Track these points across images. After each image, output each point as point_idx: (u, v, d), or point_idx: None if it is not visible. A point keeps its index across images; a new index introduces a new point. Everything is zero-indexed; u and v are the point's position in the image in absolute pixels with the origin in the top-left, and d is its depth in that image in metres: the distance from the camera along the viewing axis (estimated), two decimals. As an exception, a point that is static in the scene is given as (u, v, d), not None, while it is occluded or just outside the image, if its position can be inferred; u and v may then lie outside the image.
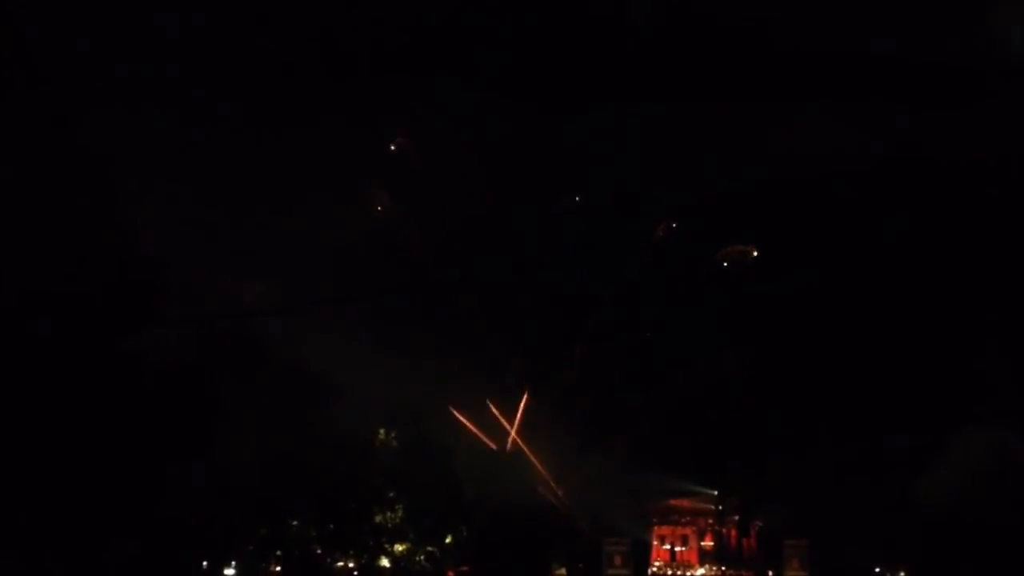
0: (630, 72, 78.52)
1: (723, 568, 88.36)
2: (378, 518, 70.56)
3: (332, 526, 68.39)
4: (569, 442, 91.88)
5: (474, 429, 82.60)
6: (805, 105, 73.49)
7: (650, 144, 78.44)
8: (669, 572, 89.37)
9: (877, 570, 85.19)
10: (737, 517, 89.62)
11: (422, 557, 73.10)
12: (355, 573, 72.53)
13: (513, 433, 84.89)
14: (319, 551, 69.36)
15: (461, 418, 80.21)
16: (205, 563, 64.35)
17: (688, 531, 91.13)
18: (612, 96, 78.24)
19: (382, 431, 72.47)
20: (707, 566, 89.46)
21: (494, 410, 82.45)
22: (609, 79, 78.30)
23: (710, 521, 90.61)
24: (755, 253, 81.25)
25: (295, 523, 67.12)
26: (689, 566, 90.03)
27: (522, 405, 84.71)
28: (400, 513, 70.72)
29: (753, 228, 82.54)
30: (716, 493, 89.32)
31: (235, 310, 60.46)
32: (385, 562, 72.43)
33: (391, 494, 70.58)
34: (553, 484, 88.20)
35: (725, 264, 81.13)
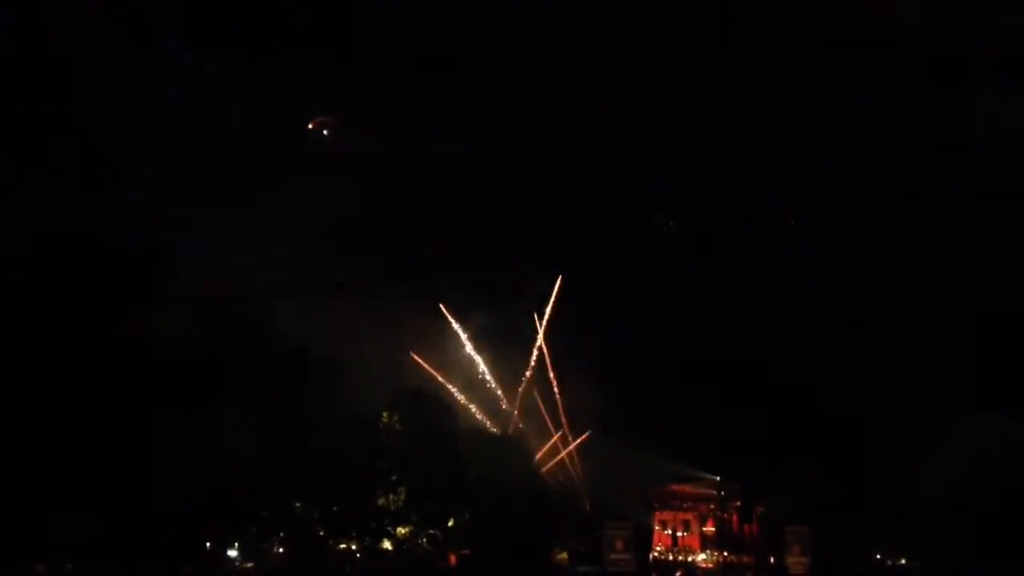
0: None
1: (724, 553, 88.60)
2: (381, 501, 70.55)
3: (335, 508, 68.40)
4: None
5: None
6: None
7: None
8: (671, 557, 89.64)
9: (878, 557, 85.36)
10: (739, 503, 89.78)
11: (424, 540, 73.22)
12: (358, 555, 72.72)
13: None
14: (322, 533, 69.46)
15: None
16: (208, 544, 64.53)
17: (690, 516, 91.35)
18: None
19: (386, 414, 72.40)
20: (708, 551, 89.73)
21: None
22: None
23: (712, 506, 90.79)
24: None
25: (298, 505, 67.16)
26: (691, 551, 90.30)
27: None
28: (403, 496, 70.70)
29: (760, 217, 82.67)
30: (718, 478, 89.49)
31: (240, 292, 60.46)
32: (387, 544, 72.57)
33: (394, 477, 70.56)
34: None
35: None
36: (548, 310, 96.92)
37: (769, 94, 76.42)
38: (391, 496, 70.98)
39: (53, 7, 42.71)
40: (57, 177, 38.73)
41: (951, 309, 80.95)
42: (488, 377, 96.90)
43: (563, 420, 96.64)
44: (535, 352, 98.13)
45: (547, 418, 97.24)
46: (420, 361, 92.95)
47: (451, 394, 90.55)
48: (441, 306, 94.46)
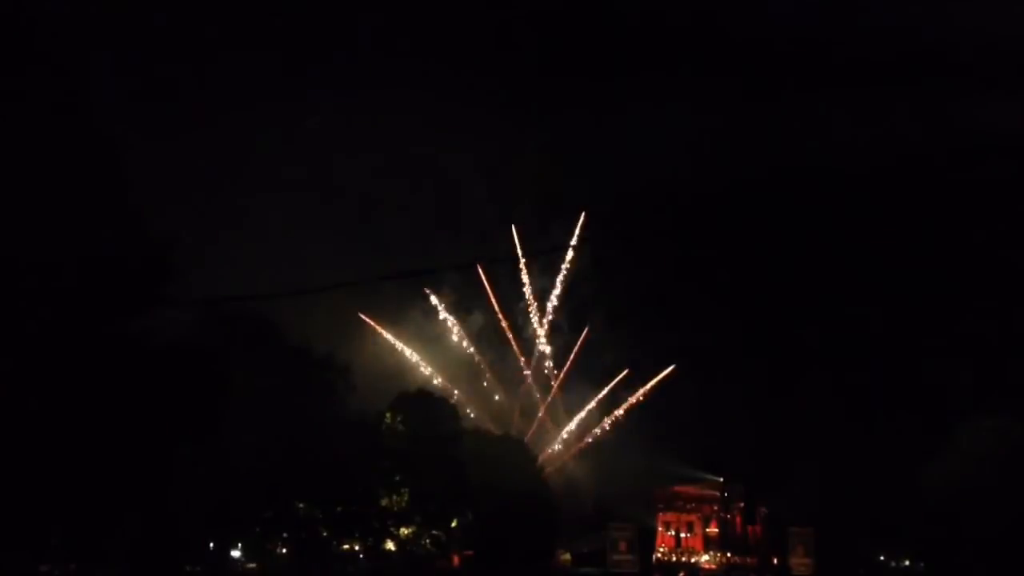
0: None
1: (728, 555, 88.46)
2: (384, 501, 70.67)
3: (338, 509, 68.52)
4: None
5: None
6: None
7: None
8: (674, 558, 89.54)
9: (882, 558, 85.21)
10: (742, 504, 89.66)
11: (428, 540, 73.29)
12: (361, 556, 72.82)
13: None
14: (325, 533, 69.57)
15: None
16: (212, 544, 64.63)
17: (693, 517, 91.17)
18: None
19: (388, 414, 72.55)
20: (712, 552, 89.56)
21: None
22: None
23: (715, 508, 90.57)
24: None
25: (301, 505, 67.27)
26: (694, 552, 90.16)
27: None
28: (406, 497, 70.78)
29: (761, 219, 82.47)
30: (722, 480, 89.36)
31: (242, 292, 60.54)
32: (391, 545, 72.67)
33: (397, 477, 70.64)
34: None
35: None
36: (556, 293, 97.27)
37: (769, 94, 76.63)
38: (394, 497, 71.06)
39: (53, 7, 42.88)
40: (56, 176, 38.85)
41: (952, 310, 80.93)
42: (490, 377, 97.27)
43: (565, 420, 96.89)
44: (537, 351, 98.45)
45: (548, 418, 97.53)
46: (421, 361, 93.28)
47: (453, 394, 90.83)
48: (441, 306, 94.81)
